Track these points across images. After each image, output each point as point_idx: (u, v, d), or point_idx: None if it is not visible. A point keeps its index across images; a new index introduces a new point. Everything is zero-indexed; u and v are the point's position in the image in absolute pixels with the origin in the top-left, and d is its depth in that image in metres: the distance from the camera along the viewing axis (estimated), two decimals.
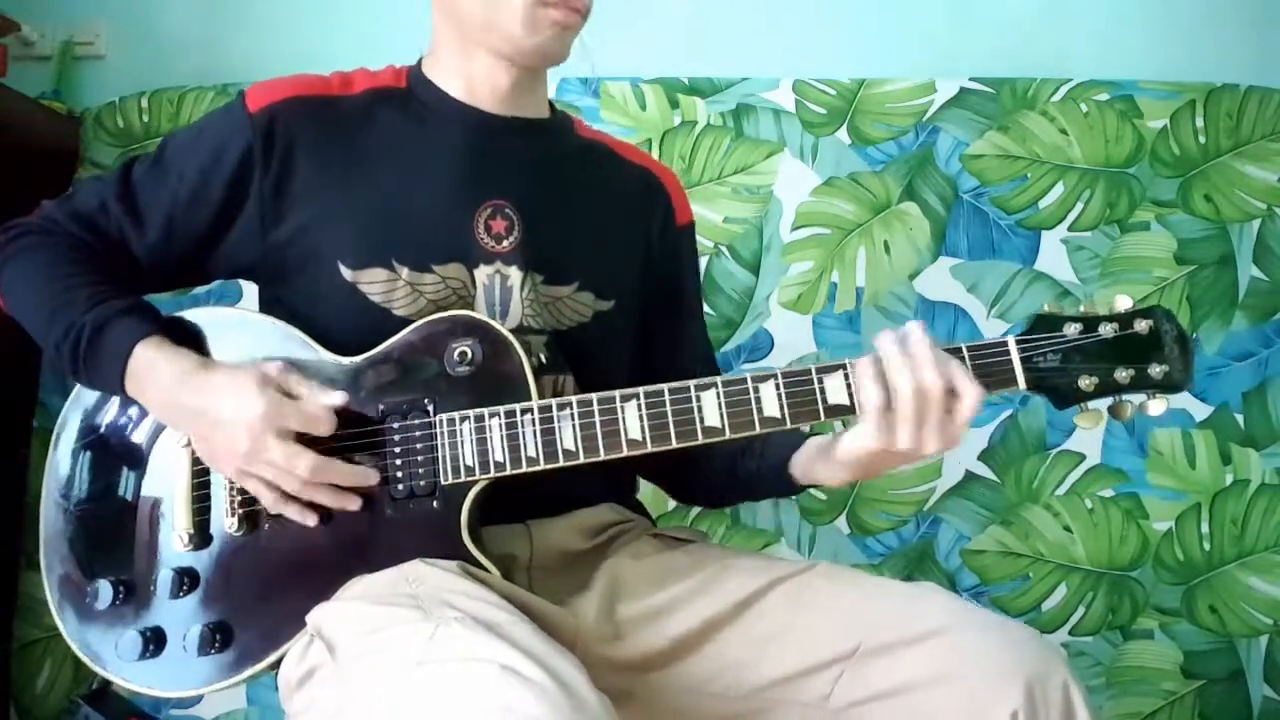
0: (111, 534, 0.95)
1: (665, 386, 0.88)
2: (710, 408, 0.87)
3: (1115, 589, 1.61)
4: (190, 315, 0.98)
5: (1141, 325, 0.85)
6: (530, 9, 0.93)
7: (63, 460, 0.98)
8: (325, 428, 0.87)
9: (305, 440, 0.86)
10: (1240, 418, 1.63)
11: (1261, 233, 1.66)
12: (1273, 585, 1.60)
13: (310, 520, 0.89)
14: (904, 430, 0.82)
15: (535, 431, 0.88)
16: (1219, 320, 1.64)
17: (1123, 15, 1.80)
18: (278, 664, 0.90)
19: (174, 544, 0.92)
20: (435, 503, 0.89)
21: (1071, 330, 0.85)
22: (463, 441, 0.89)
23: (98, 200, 0.99)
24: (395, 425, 0.90)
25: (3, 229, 1.00)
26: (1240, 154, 1.67)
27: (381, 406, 0.91)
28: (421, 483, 0.89)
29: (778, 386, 0.86)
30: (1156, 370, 0.84)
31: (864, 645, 0.85)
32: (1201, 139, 1.67)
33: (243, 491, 0.91)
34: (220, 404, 0.86)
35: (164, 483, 0.94)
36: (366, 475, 0.89)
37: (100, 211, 0.99)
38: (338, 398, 0.89)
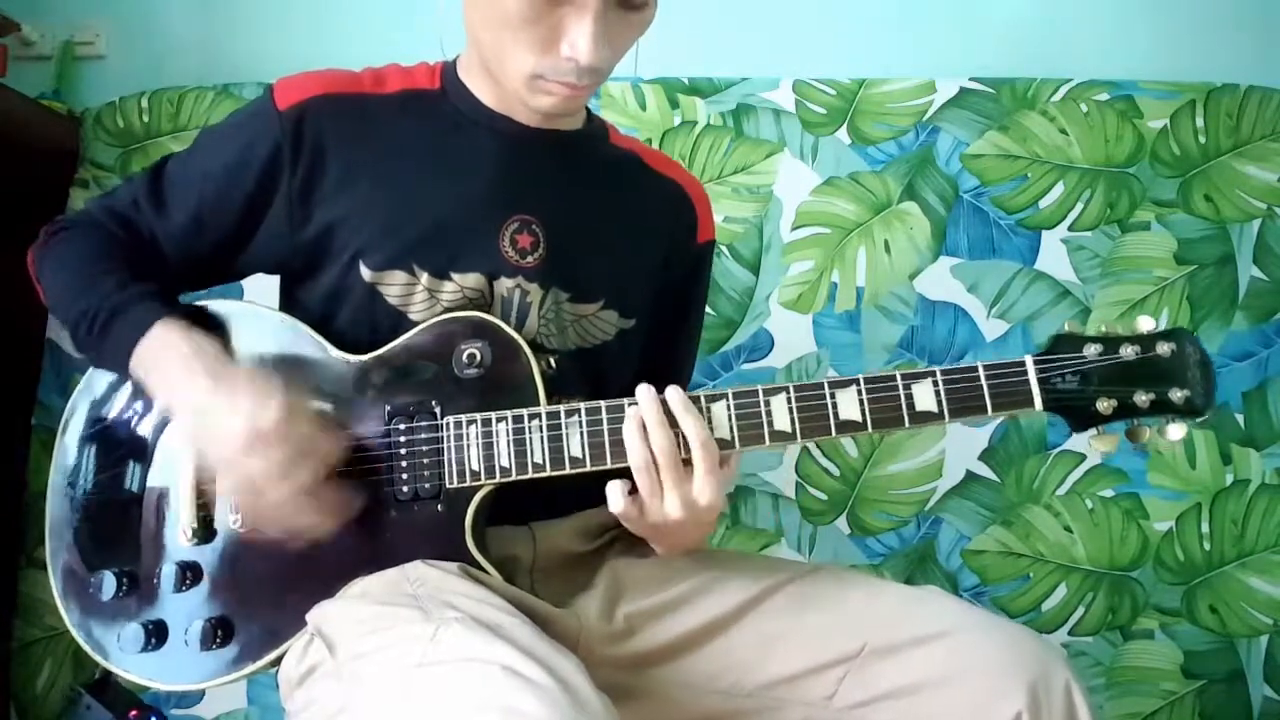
0: (117, 525, 0.95)
1: None
2: (720, 419, 0.86)
3: (1115, 589, 1.61)
4: (205, 308, 0.97)
5: (1163, 348, 0.83)
6: (530, 80, 0.89)
7: (70, 448, 0.98)
8: (323, 464, 0.85)
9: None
10: (1240, 418, 1.63)
11: (1261, 233, 1.66)
12: (1273, 585, 1.60)
13: (279, 529, 0.88)
14: (669, 495, 0.84)
15: (543, 438, 0.88)
16: (1219, 320, 1.64)
17: (1123, 15, 1.80)
18: (279, 661, 0.90)
19: (178, 538, 0.92)
20: (439, 506, 0.89)
21: (1091, 351, 0.83)
22: (469, 445, 0.89)
23: (131, 197, 0.99)
24: (402, 426, 0.90)
25: (46, 226, 1.01)
26: (1240, 154, 1.67)
27: (388, 407, 0.91)
28: (426, 485, 0.89)
29: (789, 400, 0.85)
30: (1177, 395, 0.82)
31: (869, 646, 0.85)
32: (1201, 139, 1.67)
33: None
34: (234, 395, 0.84)
35: (169, 476, 0.94)
36: (345, 508, 0.87)
37: (133, 208, 0.99)
38: (340, 443, 0.87)
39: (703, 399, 0.86)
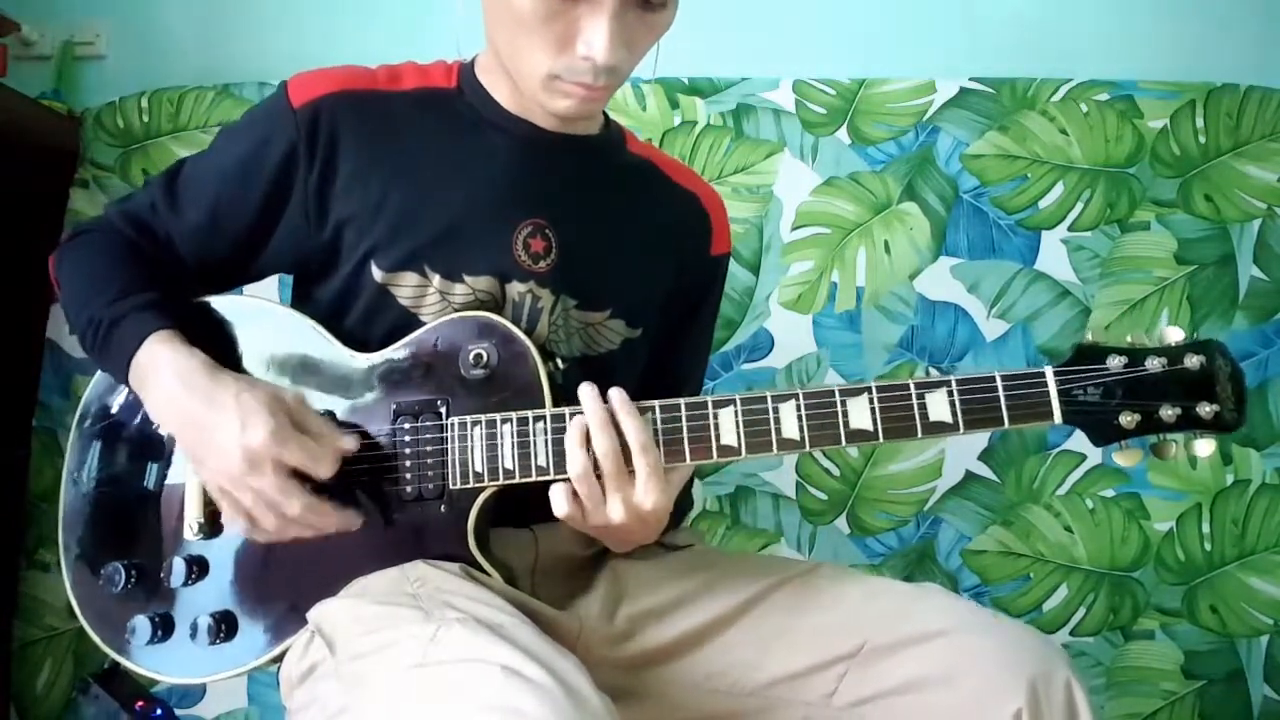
0: (127, 518, 0.96)
1: (682, 401, 0.86)
2: (728, 426, 0.84)
3: (1116, 589, 1.61)
4: (212, 303, 0.98)
5: (1193, 361, 0.79)
6: (546, 81, 0.88)
7: (83, 441, 0.99)
8: (326, 472, 0.85)
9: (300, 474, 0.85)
10: None
11: (1261, 233, 1.66)
12: (1273, 585, 1.60)
13: (284, 539, 0.87)
14: (612, 499, 0.84)
15: (547, 440, 0.87)
16: (1219, 320, 1.64)
17: (1123, 15, 1.80)
18: (281, 658, 0.91)
19: (184, 532, 0.93)
20: (442, 506, 0.89)
21: (1115, 363, 0.80)
22: (473, 446, 0.88)
23: (148, 201, 0.99)
24: (407, 425, 0.90)
25: (69, 232, 1.02)
26: (1240, 154, 1.67)
27: (394, 405, 0.91)
28: (430, 485, 0.89)
29: (798, 407, 0.84)
30: (1206, 409, 0.78)
31: (868, 644, 0.85)
32: (1201, 139, 1.67)
33: None
34: (223, 418, 0.83)
35: (178, 470, 0.95)
36: (351, 522, 0.88)
37: (149, 211, 0.99)
38: (350, 443, 0.87)
39: (710, 405, 0.85)
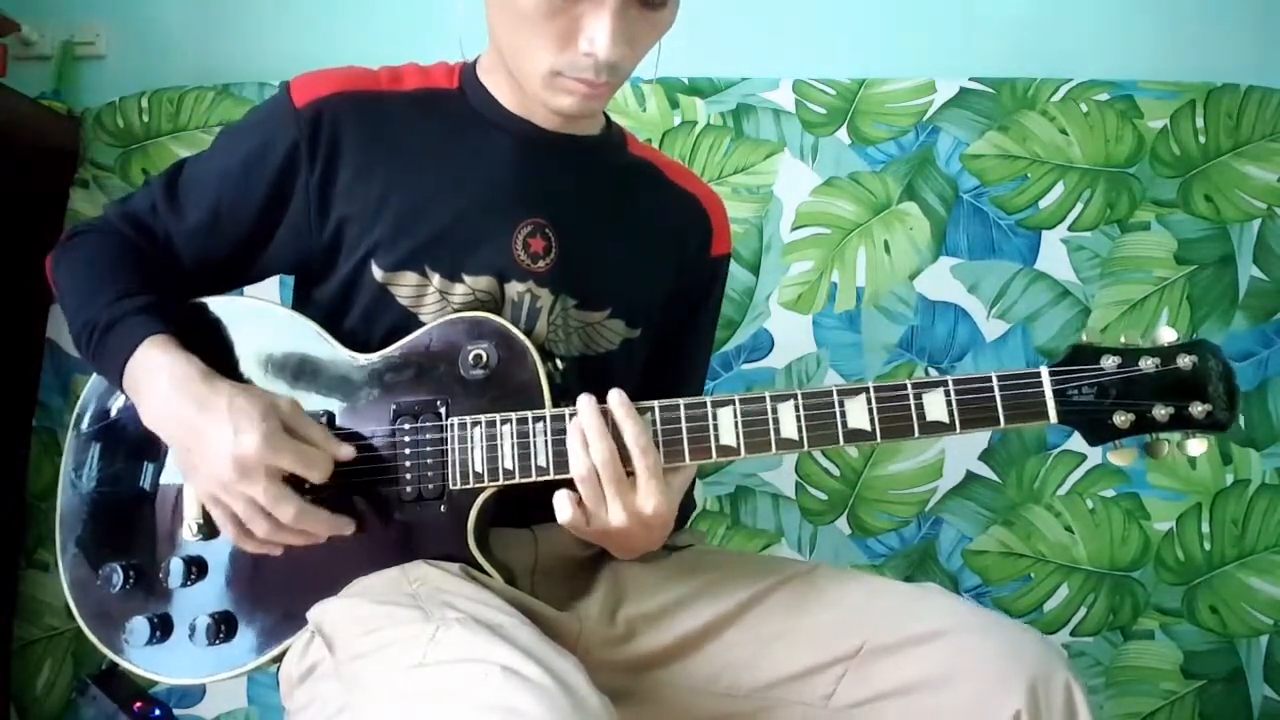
0: (125, 518, 0.95)
1: (681, 401, 0.86)
2: (726, 426, 0.85)
3: (1116, 589, 1.61)
4: (211, 304, 0.98)
5: (1185, 361, 0.80)
6: (549, 78, 0.88)
7: (81, 442, 0.98)
8: (319, 477, 0.85)
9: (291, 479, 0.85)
10: (1240, 418, 1.63)
11: (1261, 233, 1.66)
12: (1273, 585, 1.60)
13: (274, 552, 0.88)
14: (612, 504, 0.84)
15: (547, 441, 0.87)
16: (1219, 320, 1.64)
17: (1123, 15, 1.80)
18: (280, 659, 0.91)
19: (183, 533, 0.93)
20: (442, 507, 0.89)
21: (1109, 363, 0.81)
22: (473, 447, 0.88)
23: (148, 201, 0.99)
24: (406, 426, 0.90)
25: (68, 232, 1.02)
26: (1240, 154, 1.67)
27: (394, 406, 0.91)
28: (430, 485, 0.89)
29: (797, 407, 0.84)
30: (1198, 409, 0.79)
31: (867, 645, 0.85)
32: (1201, 139, 1.67)
33: None
34: (215, 425, 0.83)
35: (176, 471, 0.94)
36: (345, 527, 0.88)
37: (150, 213, 0.99)
38: (345, 450, 0.88)
39: (709, 404, 0.86)
